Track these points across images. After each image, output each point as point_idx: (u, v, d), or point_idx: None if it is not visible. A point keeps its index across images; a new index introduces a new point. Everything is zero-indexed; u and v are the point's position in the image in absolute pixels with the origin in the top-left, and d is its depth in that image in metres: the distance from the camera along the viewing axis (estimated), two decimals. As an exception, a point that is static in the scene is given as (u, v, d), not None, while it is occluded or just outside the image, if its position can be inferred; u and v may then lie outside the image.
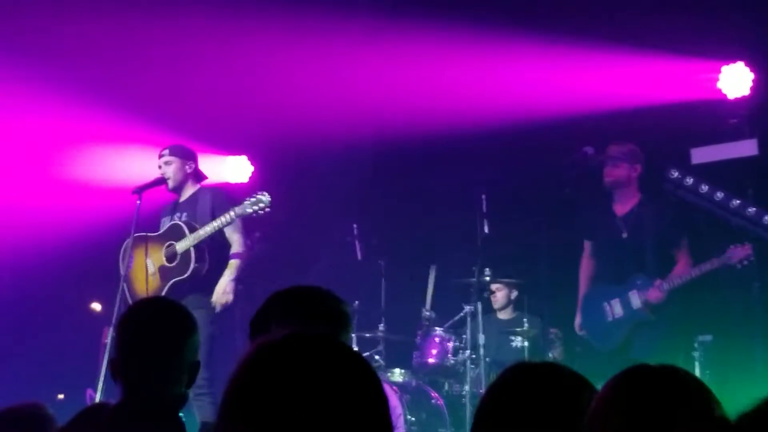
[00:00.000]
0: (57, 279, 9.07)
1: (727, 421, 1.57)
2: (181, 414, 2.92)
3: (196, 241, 6.69)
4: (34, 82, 8.07)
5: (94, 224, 7.84)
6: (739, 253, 6.50)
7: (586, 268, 7.28)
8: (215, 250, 6.79)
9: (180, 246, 6.76)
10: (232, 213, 6.59)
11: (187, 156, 7.06)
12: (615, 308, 6.94)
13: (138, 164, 8.23)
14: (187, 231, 6.77)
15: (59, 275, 9.01)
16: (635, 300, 6.81)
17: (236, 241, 6.83)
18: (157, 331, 2.91)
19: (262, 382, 1.51)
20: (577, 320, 7.21)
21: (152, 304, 3.25)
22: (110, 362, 2.93)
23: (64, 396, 8.10)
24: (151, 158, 7.31)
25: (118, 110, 8.39)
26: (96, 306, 8.30)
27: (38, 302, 9.26)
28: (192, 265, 6.71)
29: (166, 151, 7.04)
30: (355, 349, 7.92)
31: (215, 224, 6.64)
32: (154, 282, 6.86)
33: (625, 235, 6.95)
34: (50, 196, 8.65)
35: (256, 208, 6.52)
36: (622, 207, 7.05)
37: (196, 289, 6.70)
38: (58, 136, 8.61)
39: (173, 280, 6.77)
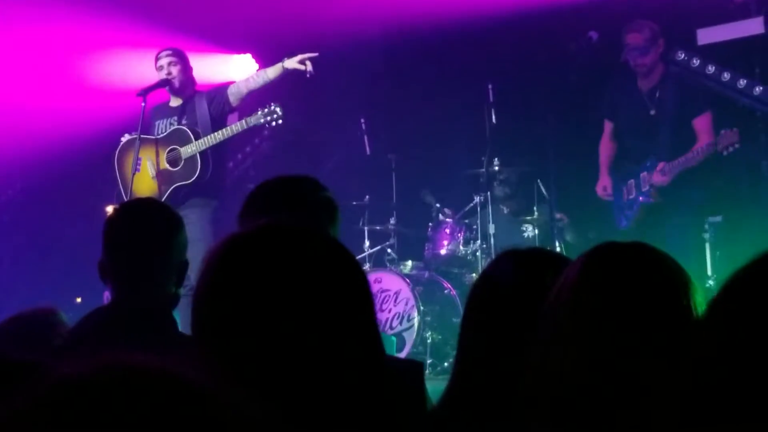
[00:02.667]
0: (74, 183, 9.13)
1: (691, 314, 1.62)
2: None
3: (203, 148, 6.72)
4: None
5: (107, 127, 7.82)
6: (725, 139, 6.39)
7: (606, 149, 7.22)
8: (216, 155, 6.82)
9: (185, 151, 6.79)
10: (244, 122, 6.62)
11: (187, 60, 7.06)
12: (630, 189, 6.94)
13: (140, 66, 8.20)
14: (192, 137, 6.79)
15: (76, 179, 9.06)
16: (644, 181, 6.81)
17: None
18: (142, 232, 2.89)
19: (230, 276, 1.48)
20: (603, 181, 7.14)
21: (136, 205, 3.22)
22: (98, 264, 2.91)
23: (82, 299, 8.23)
24: (152, 59, 7.29)
25: (118, 11, 8.32)
26: (110, 209, 8.34)
27: (55, 207, 9.33)
28: (198, 171, 6.76)
29: (169, 52, 7.00)
30: (366, 243, 8.04)
31: (227, 132, 6.67)
32: (154, 185, 6.90)
33: (653, 112, 6.83)
34: (60, 98, 8.63)
35: (269, 118, 6.56)
36: (647, 82, 6.89)
37: (195, 192, 6.77)
38: (61, 39, 8.56)
39: (177, 184, 6.82)
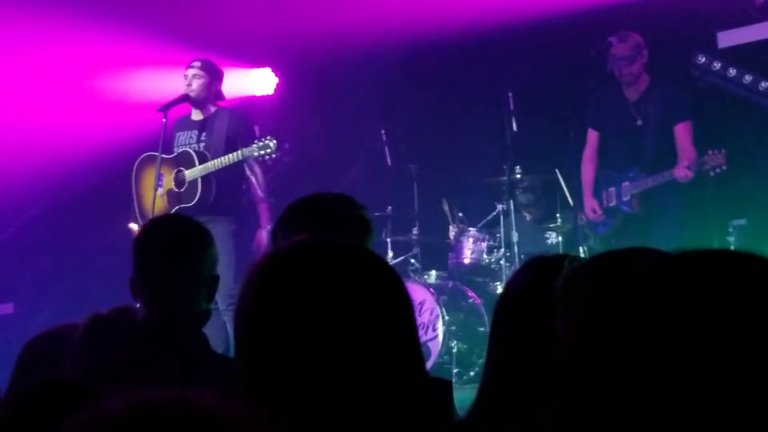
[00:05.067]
0: (98, 199, 9.16)
1: None
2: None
3: (203, 173, 6.84)
4: (61, 7, 8.06)
5: (130, 142, 7.85)
6: (712, 160, 6.42)
7: (590, 165, 7.19)
8: (223, 176, 6.87)
9: (189, 174, 6.90)
10: (239, 153, 6.74)
11: (216, 75, 7.10)
12: (610, 197, 6.98)
13: (164, 81, 8.24)
14: (196, 160, 6.90)
15: (99, 195, 9.10)
16: (626, 192, 6.85)
17: (257, 181, 6.97)
18: (173, 248, 2.90)
19: (272, 293, 1.48)
20: (591, 203, 7.12)
21: (166, 221, 3.22)
22: (129, 281, 2.91)
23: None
24: (176, 74, 7.33)
25: (143, 27, 8.36)
26: (134, 226, 8.40)
27: (79, 224, 9.36)
28: (199, 194, 6.86)
29: (197, 64, 7.06)
30: (390, 254, 8.03)
31: (224, 160, 6.77)
32: (161, 203, 7.03)
33: (639, 123, 6.87)
34: (83, 115, 8.67)
35: (262, 152, 6.65)
36: (634, 92, 6.93)
37: (202, 212, 6.72)
38: (83, 57, 8.61)
39: (180, 205, 6.92)
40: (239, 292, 1.54)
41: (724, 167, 6.41)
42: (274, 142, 6.64)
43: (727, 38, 7.49)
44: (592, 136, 7.21)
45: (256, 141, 6.69)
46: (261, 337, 1.48)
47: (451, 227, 8.10)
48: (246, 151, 6.69)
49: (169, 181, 7.04)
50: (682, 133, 6.76)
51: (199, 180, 6.86)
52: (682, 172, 6.58)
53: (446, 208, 8.17)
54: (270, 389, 1.45)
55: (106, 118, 8.60)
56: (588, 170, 7.19)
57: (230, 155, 6.75)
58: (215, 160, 6.81)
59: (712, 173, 6.45)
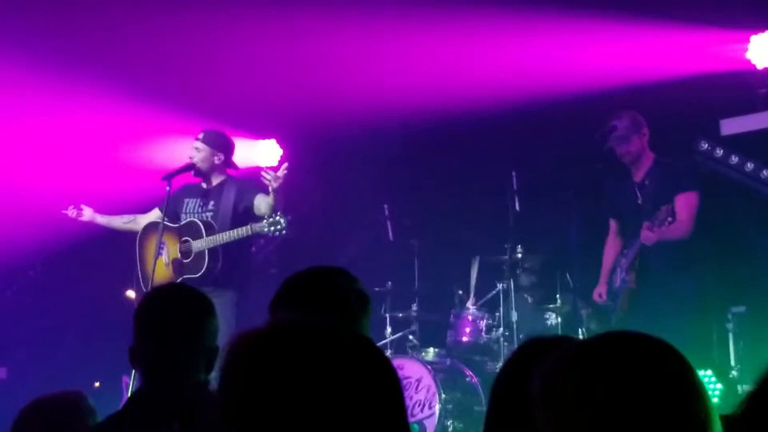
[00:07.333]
0: (93, 266, 9.15)
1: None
2: None
3: (211, 245, 6.83)
4: (69, 77, 8.13)
5: (129, 209, 7.87)
6: (664, 211, 6.29)
7: (611, 246, 7.17)
8: (230, 247, 6.86)
9: (195, 245, 6.90)
10: (249, 228, 6.72)
11: (219, 146, 7.09)
12: (617, 277, 6.93)
13: (171, 150, 8.30)
14: (203, 231, 6.89)
15: (95, 262, 9.09)
16: (623, 268, 6.81)
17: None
18: (174, 318, 2.90)
19: (242, 379, 1.43)
20: (599, 288, 7.08)
21: (169, 291, 3.22)
22: (129, 350, 2.92)
23: (101, 384, 8.20)
24: (183, 143, 7.38)
25: (152, 97, 8.43)
26: (131, 293, 8.37)
27: (75, 290, 9.35)
28: (205, 266, 6.85)
29: (201, 136, 7.09)
30: (388, 330, 7.98)
31: (233, 234, 6.77)
32: (166, 272, 7.01)
33: (639, 201, 6.83)
34: (84, 180, 8.70)
35: (272, 228, 6.63)
36: (639, 173, 6.90)
37: (207, 283, 6.63)
38: (90, 124, 8.67)
39: (186, 276, 6.89)
40: (219, 370, 1.50)
41: (670, 219, 6.30)
42: (285, 218, 6.61)
43: (730, 126, 7.55)
44: (613, 225, 7.20)
45: (266, 217, 6.68)
46: (239, 423, 1.42)
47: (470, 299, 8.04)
48: (256, 227, 6.67)
49: (174, 250, 7.02)
50: (681, 202, 6.61)
51: (206, 252, 6.85)
52: (644, 234, 6.49)
53: (475, 266, 8.09)
54: None
55: (110, 184, 8.63)
56: (607, 257, 7.17)
57: (239, 230, 6.74)
58: (224, 234, 6.80)
59: (664, 226, 6.32)
